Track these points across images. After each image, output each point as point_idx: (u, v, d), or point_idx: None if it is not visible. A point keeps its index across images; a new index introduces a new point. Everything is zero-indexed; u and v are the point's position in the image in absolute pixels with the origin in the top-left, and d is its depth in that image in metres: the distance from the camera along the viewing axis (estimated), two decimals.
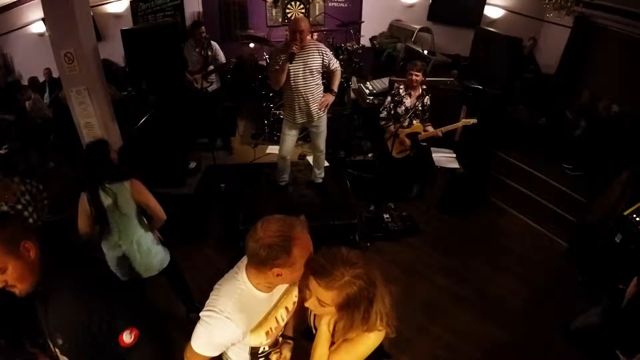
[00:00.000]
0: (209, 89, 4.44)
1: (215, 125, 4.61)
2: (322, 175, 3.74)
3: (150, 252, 2.32)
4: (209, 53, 4.30)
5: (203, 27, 4.25)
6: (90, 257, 1.44)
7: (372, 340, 1.24)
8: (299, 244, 1.16)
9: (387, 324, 1.23)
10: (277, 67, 2.95)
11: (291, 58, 2.88)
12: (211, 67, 4.35)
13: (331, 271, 1.13)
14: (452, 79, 4.80)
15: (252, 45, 5.30)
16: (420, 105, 3.66)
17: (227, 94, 4.82)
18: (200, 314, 1.25)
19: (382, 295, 1.20)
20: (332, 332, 1.30)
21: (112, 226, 2.16)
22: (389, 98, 3.75)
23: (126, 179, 2.14)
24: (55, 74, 5.58)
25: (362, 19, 6.54)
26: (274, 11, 6.52)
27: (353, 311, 1.16)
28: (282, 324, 1.44)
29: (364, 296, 1.15)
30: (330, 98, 3.18)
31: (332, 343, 1.30)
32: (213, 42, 4.38)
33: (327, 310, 1.20)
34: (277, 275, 1.18)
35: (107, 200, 2.10)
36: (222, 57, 4.47)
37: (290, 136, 3.36)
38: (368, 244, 3.59)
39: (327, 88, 3.21)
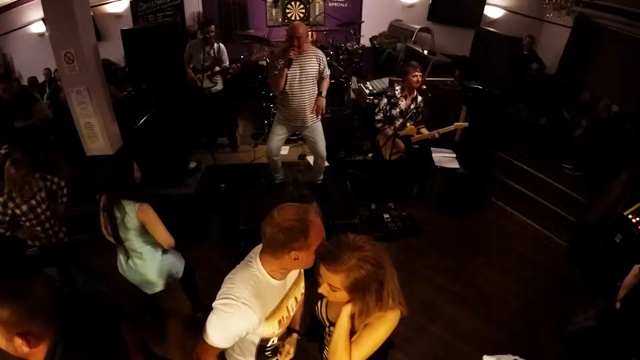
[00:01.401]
0: (212, 89, 4.43)
1: (214, 125, 4.61)
2: (321, 178, 3.78)
3: (159, 268, 2.33)
4: (215, 54, 4.29)
5: (212, 26, 4.22)
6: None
7: (390, 320, 1.25)
8: (315, 227, 1.20)
9: (400, 302, 1.25)
10: (276, 73, 3.00)
11: (289, 64, 2.92)
12: (217, 68, 4.34)
13: (338, 255, 1.16)
14: (452, 79, 4.80)
15: (268, 51, 5.28)
16: (414, 107, 3.65)
17: (228, 95, 4.80)
18: (213, 304, 1.24)
19: (391, 275, 1.23)
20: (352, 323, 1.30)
21: (122, 238, 2.20)
22: (384, 100, 3.73)
23: (138, 201, 2.15)
24: (55, 74, 5.58)
25: (362, 19, 6.53)
26: (274, 11, 6.52)
27: (364, 294, 1.18)
28: (292, 314, 1.47)
29: (373, 279, 1.17)
30: (323, 101, 3.23)
31: (353, 333, 1.30)
32: (221, 45, 4.36)
33: (339, 295, 1.22)
34: (295, 259, 1.21)
35: (117, 213, 2.14)
36: (226, 60, 4.45)
37: (277, 135, 3.36)
38: None
39: (317, 92, 3.24)
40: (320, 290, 1.26)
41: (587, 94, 4.97)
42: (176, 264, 2.44)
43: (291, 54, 2.88)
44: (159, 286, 2.37)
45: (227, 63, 4.47)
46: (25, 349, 0.96)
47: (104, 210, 2.14)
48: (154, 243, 2.29)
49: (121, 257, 2.28)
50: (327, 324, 1.43)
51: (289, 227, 1.17)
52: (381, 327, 1.25)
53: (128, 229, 2.16)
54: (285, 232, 1.17)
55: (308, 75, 3.07)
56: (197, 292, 2.73)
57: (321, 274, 1.22)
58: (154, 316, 2.82)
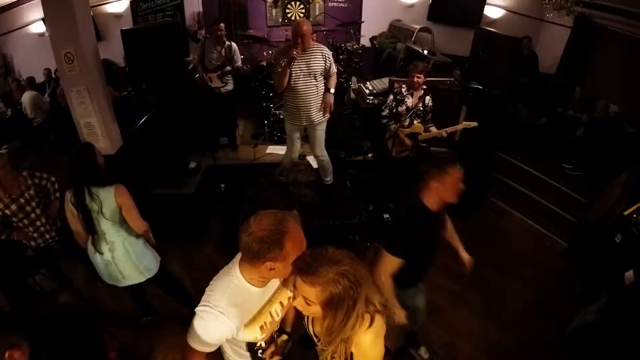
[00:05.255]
0: (223, 89, 4.42)
1: (216, 125, 4.61)
2: (330, 179, 3.75)
3: (137, 258, 2.28)
4: (227, 53, 4.27)
5: (222, 25, 4.19)
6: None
7: (373, 330, 1.19)
8: (291, 237, 1.16)
9: (380, 309, 1.19)
10: (279, 71, 2.98)
11: (290, 62, 2.91)
12: (228, 68, 4.32)
13: (316, 268, 1.12)
14: (452, 79, 4.80)
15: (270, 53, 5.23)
16: (421, 105, 3.65)
17: (239, 96, 4.75)
18: (195, 310, 1.26)
19: (370, 292, 1.17)
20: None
21: (98, 230, 2.14)
22: (391, 97, 3.74)
23: (112, 184, 2.11)
24: (54, 74, 5.58)
25: (362, 19, 6.53)
26: (274, 11, 6.52)
27: (336, 310, 1.14)
28: (277, 319, 1.45)
29: (348, 296, 1.12)
30: (331, 98, 3.23)
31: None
32: (233, 44, 4.35)
33: (313, 310, 1.19)
34: (271, 269, 1.19)
35: (92, 205, 2.08)
36: (238, 60, 4.42)
37: (293, 139, 3.41)
38: (368, 244, 3.58)
39: (324, 88, 3.23)
40: (294, 303, 1.23)
41: (579, 90, 4.97)
42: (152, 260, 2.40)
43: (293, 52, 2.86)
44: (135, 278, 2.31)
45: (239, 63, 4.44)
46: None
47: (74, 207, 2.07)
48: (133, 234, 2.25)
49: (95, 251, 2.20)
50: (316, 339, 1.40)
51: (263, 237, 1.13)
52: (369, 343, 1.19)
53: (107, 218, 2.11)
54: (259, 242, 1.14)
55: (314, 73, 3.05)
56: (182, 291, 2.69)
57: (297, 286, 1.18)
58: (154, 317, 2.82)
